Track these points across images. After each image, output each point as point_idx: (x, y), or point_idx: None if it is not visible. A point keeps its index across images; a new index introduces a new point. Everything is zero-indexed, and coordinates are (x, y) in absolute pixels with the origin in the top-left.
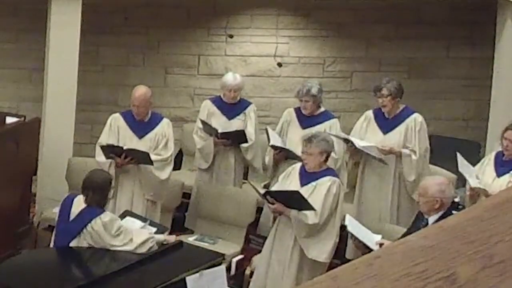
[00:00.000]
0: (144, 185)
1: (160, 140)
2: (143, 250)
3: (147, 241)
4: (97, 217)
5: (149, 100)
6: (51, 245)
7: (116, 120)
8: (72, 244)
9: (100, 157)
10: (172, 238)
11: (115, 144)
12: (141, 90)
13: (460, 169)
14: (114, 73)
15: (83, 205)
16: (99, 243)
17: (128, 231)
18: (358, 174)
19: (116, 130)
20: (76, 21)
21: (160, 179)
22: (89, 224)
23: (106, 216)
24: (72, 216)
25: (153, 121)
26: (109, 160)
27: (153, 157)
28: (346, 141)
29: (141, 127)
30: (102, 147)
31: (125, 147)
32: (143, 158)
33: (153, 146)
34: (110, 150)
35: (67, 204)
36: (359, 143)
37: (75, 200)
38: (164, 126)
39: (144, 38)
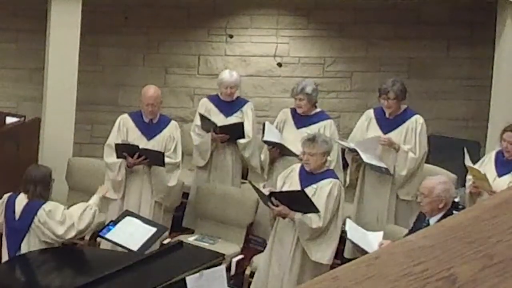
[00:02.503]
0: (155, 187)
1: (168, 142)
2: (86, 222)
3: (85, 212)
4: (40, 208)
5: (160, 98)
6: (3, 248)
7: (125, 121)
8: (24, 242)
9: (109, 158)
10: (104, 189)
11: (125, 141)
12: (153, 89)
13: (466, 162)
14: (114, 73)
15: (25, 201)
16: (48, 235)
17: (70, 216)
18: (359, 176)
19: (124, 131)
20: (76, 21)
21: (169, 185)
22: (35, 218)
23: (48, 206)
24: (17, 215)
25: (161, 123)
26: (119, 161)
27: (165, 159)
28: (352, 150)
29: (150, 128)
30: (117, 145)
31: (141, 147)
32: (156, 158)
33: (162, 148)
34: (125, 149)
35: (10, 205)
36: (365, 157)
37: (17, 199)
38: (172, 129)
39: (144, 38)
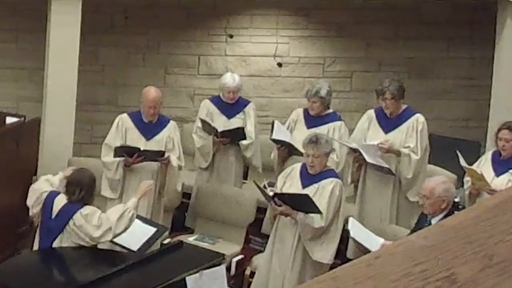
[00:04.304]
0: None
1: (168, 143)
2: (123, 226)
3: (123, 215)
4: (77, 212)
5: (161, 100)
6: (35, 244)
7: (123, 121)
8: (56, 242)
9: (106, 157)
10: (146, 184)
11: (126, 144)
12: (154, 91)
13: (461, 163)
14: (114, 73)
15: (64, 202)
16: (83, 238)
17: (107, 219)
18: (361, 176)
19: (123, 131)
20: (76, 21)
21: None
22: (70, 221)
23: (86, 210)
24: (53, 214)
25: (160, 123)
26: (117, 160)
27: (175, 161)
28: (354, 150)
29: (149, 129)
30: (117, 148)
31: (142, 149)
32: (156, 156)
33: (161, 148)
34: (125, 151)
35: (48, 203)
36: (367, 158)
37: (56, 198)
38: (171, 129)
39: (144, 38)
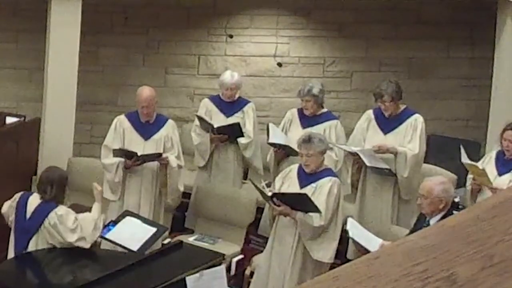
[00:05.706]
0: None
1: (166, 142)
2: (96, 236)
3: (95, 227)
4: (52, 211)
5: (155, 99)
6: (11, 246)
7: (121, 122)
8: (31, 242)
9: (106, 159)
10: (100, 193)
11: (124, 147)
12: (147, 91)
13: (462, 159)
14: (114, 73)
15: (38, 202)
16: (58, 239)
17: (82, 227)
18: (361, 177)
19: (121, 132)
20: (76, 21)
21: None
22: (45, 220)
23: (60, 210)
24: (28, 214)
25: (158, 123)
26: (116, 161)
27: (174, 161)
28: (353, 153)
29: (146, 128)
30: (115, 151)
31: (139, 154)
32: (154, 158)
33: (159, 148)
34: (123, 154)
35: (22, 203)
36: (367, 161)
37: (30, 198)
38: (169, 128)
39: (144, 38)
